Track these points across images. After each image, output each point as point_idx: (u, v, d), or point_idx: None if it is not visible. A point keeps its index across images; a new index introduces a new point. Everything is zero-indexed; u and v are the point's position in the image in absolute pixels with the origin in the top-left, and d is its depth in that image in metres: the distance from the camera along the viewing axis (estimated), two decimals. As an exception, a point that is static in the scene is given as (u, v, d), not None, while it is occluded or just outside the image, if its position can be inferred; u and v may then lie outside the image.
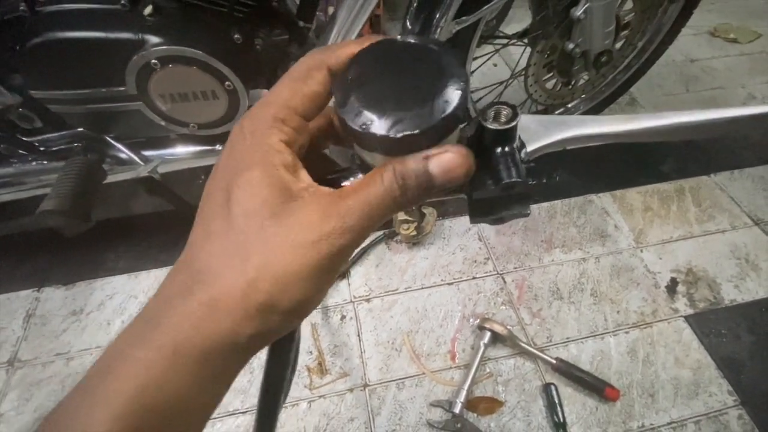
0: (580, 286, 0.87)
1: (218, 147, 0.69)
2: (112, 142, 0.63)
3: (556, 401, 0.71)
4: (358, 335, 0.80)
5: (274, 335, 0.18)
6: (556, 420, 0.70)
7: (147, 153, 0.67)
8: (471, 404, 0.72)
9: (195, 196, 1.02)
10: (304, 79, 0.19)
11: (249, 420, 0.71)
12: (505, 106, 0.19)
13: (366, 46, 0.19)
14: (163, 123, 0.61)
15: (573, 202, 1.01)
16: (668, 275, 0.88)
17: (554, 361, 0.74)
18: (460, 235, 0.96)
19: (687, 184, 1.05)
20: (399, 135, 0.16)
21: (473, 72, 0.83)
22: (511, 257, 0.91)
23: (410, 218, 0.89)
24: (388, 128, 0.16)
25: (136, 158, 0.65)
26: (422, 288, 0.87)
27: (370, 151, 0.18)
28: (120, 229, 0.97)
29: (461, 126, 0.18)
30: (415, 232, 0.89)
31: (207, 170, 1.07)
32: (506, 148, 0.19)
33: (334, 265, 0.17)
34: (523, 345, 0.77)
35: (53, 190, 0.54)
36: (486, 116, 0.19)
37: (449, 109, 0.16)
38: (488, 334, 0.78)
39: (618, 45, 0.86)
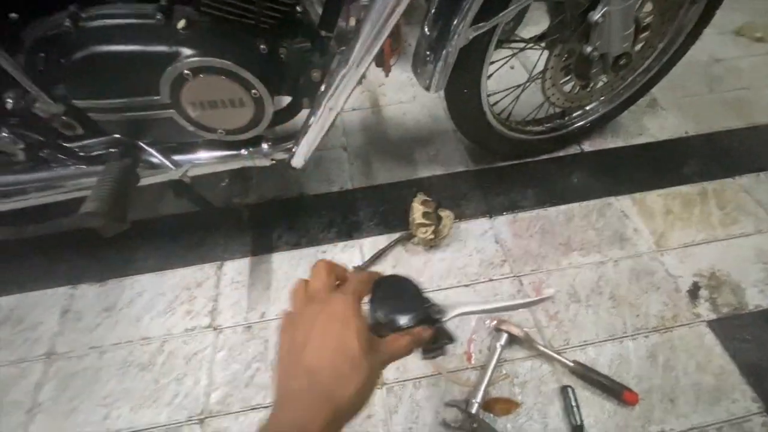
0: (598, 290, 0.86)
1: (243, 152, 0.73)
2: (146, 147, 0.67)
3: (574, 404, 0.71)
4: (376, 335, 0.82)
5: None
6: (574, 422, 0.70)
7: (177, 157, 0.71)
8: (487, 405, 0.73)
9: (218, 198, 1.07)
10: (360, 291, 0.39)
11: (270, 415, 0.74)
12: (440, 307, 0.41)
13: (382, 276, 0.41)
14: (192, 129, 0.65)
15: (591, 205, 1.01)
16: (690, 279, 0.87)
17: (571, 364, 0.74)
18: (477, 238, 0.96)
19: (710, 186, 1.03)
20: (404, 325, 0.38)
21: (490, 76, 0.84)
22: (528, 260, 0.92)
23: (428, 222, 0.90)
24: (398, 321, 0.38)
25: (167, 162, 0.69)
26: (439, 289, 0.88)
27: (390, 330, 0.38)
28: (148, 230, 1.02)
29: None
30: (432, 236, 0.90)
31: (231, 174, 1.11)
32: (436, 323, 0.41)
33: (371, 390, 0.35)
34: (539, 347, 0.77)
35: (93, 192, 0.58)
36: (436, 314, 0.41)
37: (424, 315, 0.39)
38: (505, 336, 0.78)
39: (637, 47, 0.86)
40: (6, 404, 0.77)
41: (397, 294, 0.39)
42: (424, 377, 0.77)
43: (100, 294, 0.91)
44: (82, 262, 0.96)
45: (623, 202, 1.01)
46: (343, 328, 0.34)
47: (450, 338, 0.42)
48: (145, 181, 0.70)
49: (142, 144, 0.67)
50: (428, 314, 0.39)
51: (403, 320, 0.37)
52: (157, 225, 1.03)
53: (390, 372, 0.77)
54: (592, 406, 0.72)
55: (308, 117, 0.67)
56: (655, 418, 0.71)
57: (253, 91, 0.61)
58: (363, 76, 0.62)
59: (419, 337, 0.38)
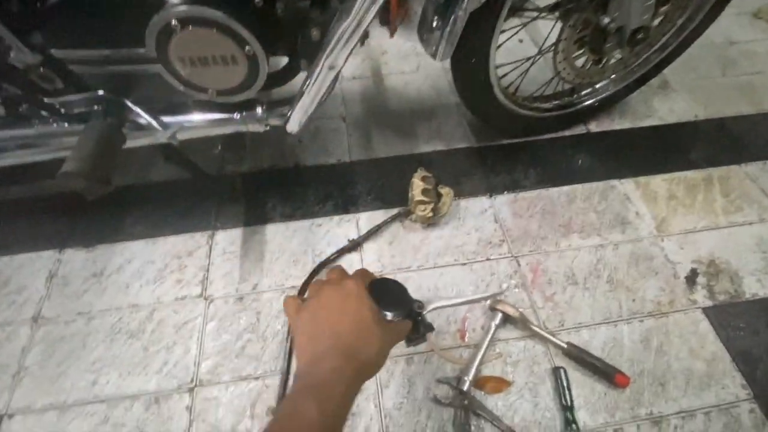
0: (596, 273, 0.85)
1: (236, 116, 0.69)
2: (132, 106, 0.63)
3: (565, 384, 0.71)
4: (370, 310, 0.81)
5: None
6: (564, 402, 0.70)
7: (166, 119, 0.67)
8: (479, 383, 0.73)
9: (211, 165, 1.03)
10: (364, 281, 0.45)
11: (261, 385, 0.73)
12: (420, 303, 0.49)
13: (375, 279, 0.47)
14: (182, 88, 0.61)
15: (594, 187, 0.98)
16: (689, 266, 0.86)
17: (565, 345, 0.74)
18: (476, 216, 0.94)
19: (716, 173, 1.01)
20: (392, 318, 0.44)
21: (500, 46, 0.80)
22: (527, 240, 0.90)
23: (427, 199, 0.87)
24: (387, 316, 0.44)
25: (154, 123, 0.65)
26: (435, 267, 0.87)
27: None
28: (138, 196, 0.98)
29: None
30: (431, 214, 0.88)
31: (224, 140, 1.07)
32: (419, 317, 0.49)
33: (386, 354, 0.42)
34: (534, 328, 0.76)
35: (74, 152, 0.55)
36: (417, 308, 0.48)
37: (408, 310, 0.47)
38: (499, 316, 0.77)
39: (656, 22, 0.81)
40: (-9, 367, 0.76)
41: (387, 293, 0.45)
42: (416, 354, 0.76)
43: (87, 259, 0.89)
44: (68, 227, 0.93)
45: (627, 186, 0.99)
46: (358, 302, 0.41)
47: (430, 328, 0.51)
48: (131, 143, 0.66)
49: (128, 102, 0.63)
50: (412, 309, 0.48)
51: (390, 315, 0.44)
52: (147, 191, 0.99)
53: (382, 347, 0.77)
54: (583, 387, 0.73)
55: (306, 79, 0.63)
56: (644, 401, 0.71)
57: (247, 47, 0.56)
58: (366, 35, 0.57)
59: (404, 327, 0.47)
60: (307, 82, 0.62)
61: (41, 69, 0.58)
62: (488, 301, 0.81)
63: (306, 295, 0.45)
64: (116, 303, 0.83)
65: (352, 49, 0.59)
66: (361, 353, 0.38)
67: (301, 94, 0.64)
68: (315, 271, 0.84)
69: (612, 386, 0.72)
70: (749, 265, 0.86)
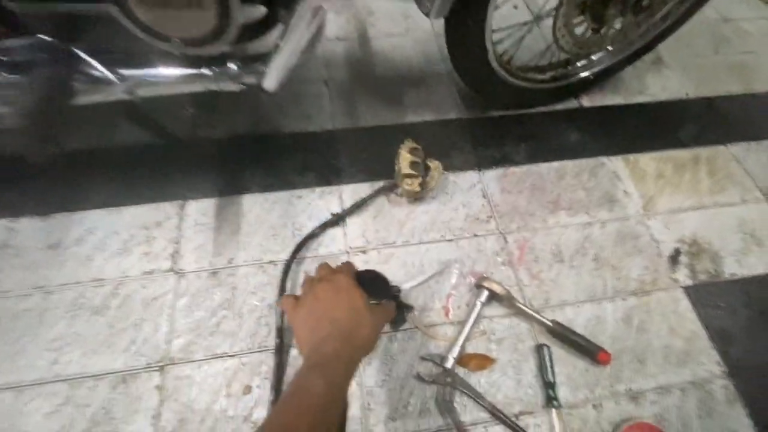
0: (582, 251, 0.84)
1: (206, 71, 0.61)
2: (82, 54, 0.55)
3: (548, 362, 0.71)
4: (352, 286, 0.78)
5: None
6: (546, 379, 0.70)
7: (124, 71, 0.58)
8: (463, 360, 0.72)
9: (181, 129, 0.94)
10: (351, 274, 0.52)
11: (237, 363, 0.70)
12: (397, 287, 0.71)
13: (361, 270, 0.55)
14: (141, 35, 0.53)
15: (584, 164, 0.96)
16: (672, 245, 0.86)
17: (550, 323, 0.73)
18: (464, 191, 0.91)
19: (704, 152, 1.00)
20: (376, 302, 0.51)
21: (497, 7, 0.74)
22: (515, 216, 0.88)
23: (415, 172, 0.83)
24: (379, 301, 0.52)
25: (110, 76, 0.56)
26: (420, 243, 0.84)
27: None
28: (100, 160, 0.90)
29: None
30: (419, 188, 0.83)
31: (194, 99, 0.98)
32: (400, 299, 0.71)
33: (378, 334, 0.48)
34: (519, 306, 0.75)
35: (12, 106, 0.47)
36: (395, 292, 0.68)
37: (389, 295, 0.61)
38: (485, 293, 0.76)
39: (661, -11, 0.77)
40: (-64, 344, 0.69)
41: (370, 282, 0.52)
42: (399, 331, 0.74)
43: (42, 229, 0.81)
44: (21, 193, 0.85)
45: (616, 163, 0.97)
46: (349, 293, 0.47)
47: (409, 307, 0.67)
48: (83, 99, 0.58)
49: (77, 50, 0.55)
50: (391, 293, 0.60)
51: (377, 301, 0.51)
52: (109, 155, 0.91)
53: (365, 325, 0.74)
54: (566, 364, 0.73)
55: (285, 28, 0.56)
56: (623, 377, 0.72)
57: (217, -11, 0.49)
58: None
59: (391, 308, 0.55)
60: (287, 32, 0.55)
61: (-31, 6, 0.49)
62: (474, 279, 0.79)
63: (301, 292, 0.50)
64: (77, 277, 0.77)
65: None
66: (356, 336, 0.44)
67: (279, 45, 0.57)
68: (299, 247, 0.80)
69: (594, 363, 0.72)
70: (730, 245, 0.87)
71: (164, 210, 0.84)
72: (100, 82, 0.57)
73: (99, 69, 0.56)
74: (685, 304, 0.80)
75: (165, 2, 0.48)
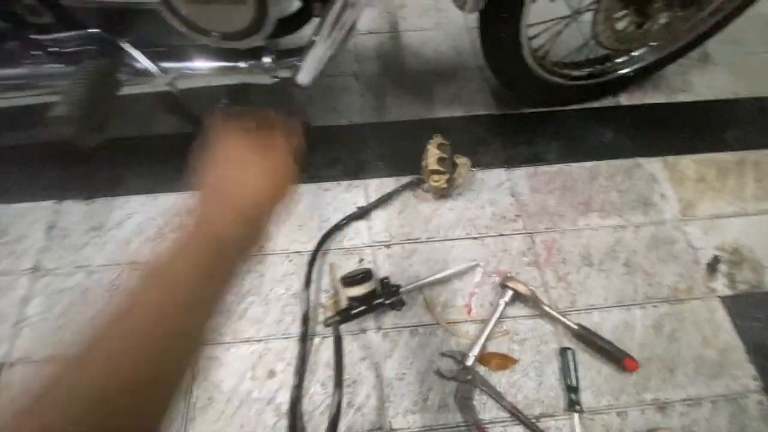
0: (613, 254, 0.82)
1: (242, 64, 0.63)
2: (128, 48, 0.57)
3: (572, 365, 0.70)
4: (376, 280, 0.79)
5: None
6: (569, 383, 0.69)
7: (164, 64, 0.61)
8: (484, 359, 0.72)
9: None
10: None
11: (263, 348, 0.72)
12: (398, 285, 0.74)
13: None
14: (183, 29, 0.55)
15: (619, 165, 0.93)
16: (711, 252, 0.82)
17: (575, 327, 0.72)
18: (492, 189, 0.90)
19: (751, 156, 0.95)
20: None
21: (535, 0, 0.72)
22: (543, 217, 0.86)
23: (442, 169, 0.83)
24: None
25: (153, 68, 0.59)
26: (445, 240, 0.84)
27: None
28: (140, 149, 0.94)
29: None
30: (445, 185, 0.83)
31: (228, 91, 1.01)
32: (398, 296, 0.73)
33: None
34: (544, 307, 0.74)
35: (63, 96, 0.50)
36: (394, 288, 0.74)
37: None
38: (509, 293, 0.75)
39: (712, -19, 0.72)
40: (-8, 315, 0.75)
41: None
42: (421, 325, 0.75)
43: (86, 212, 0.86)
44: (67, 177, 0.90)
45: (654, 165, 0.93)
46: (277, 169, 0.40)
47: (402, 303, 0.72)
48: (127, 90, 0.61)
49: (123, 43, 0.57)
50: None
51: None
52: (149, 144, 0.95)
53: (387, 317, 0.75)
54: (590, 369, 0.71)
55: (319, 24, 0.57)
56: (651, 386, 0.70)
57: (256, -16, 0.50)
58: None
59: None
60: (322, 27, 0.56)
61: (28, 1, 0.52)
62: (498, 278, 0.78)
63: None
64: (116, 258, 0.81)
65: None
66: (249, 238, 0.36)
67: (314, 40, 0.58)
68: (324, 239, 0.81)
69: (619, 370, 0.71)
70: (775, 255, 0.82)
71: (198, 198, 0.87)
72: (143, 74, 0.60)
73: (143, 61, 0.58)
74: (721, 314, 0.76)
75: (206, -2, 0.50)
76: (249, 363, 0.71)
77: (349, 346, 0.72)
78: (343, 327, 0.72)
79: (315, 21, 0.62)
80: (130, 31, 0.58)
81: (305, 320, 0.73)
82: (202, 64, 0.62)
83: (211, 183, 0.36)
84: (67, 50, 0.58)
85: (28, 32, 0.57)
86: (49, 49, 0.59)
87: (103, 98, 0.53)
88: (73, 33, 0.58)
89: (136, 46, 0.58)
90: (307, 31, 0.66)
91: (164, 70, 0.60)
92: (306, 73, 0.62)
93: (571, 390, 0.68)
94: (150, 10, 0.53)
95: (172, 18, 0.53)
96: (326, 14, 0.55)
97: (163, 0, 0.51)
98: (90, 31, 0.58)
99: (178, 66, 0.61)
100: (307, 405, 0.68)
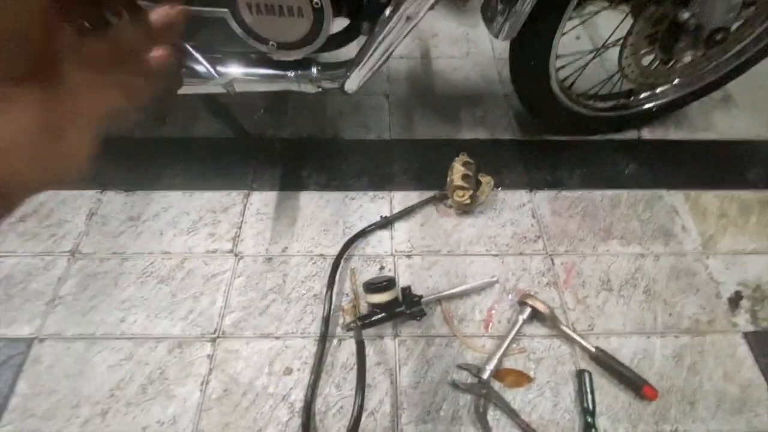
0: (633, 281, 0.82)
1: (290, 74, 0.68)
2: (192, 50, 0.63)
3: (589, 388, 0.69)
4: (396, 287, 0.80)
5: None
6: (586, 406, 0.68)
7: (221, 69, 0.67)
8: (499, 374, 0.72)
9: (252, 128, 1.03)
10: None
11: (281, 345, 0.74)
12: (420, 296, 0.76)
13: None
14: (243, 36, 0.60)
15: (641, 195, 0.94)
16: (733, 287, 0.82)
17: (593, 350, 0.72)
18: (513, 209, 0.92)
19: (774, 196, 0.95)
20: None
21: (565, 33, 0.76)
22: (563, 240, 0.87)
23: (466, 185, 0.86)
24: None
25: (212, 71, 0.65)
26: (465, 254, 0.85)
27: None
28: (180, 149, 1.00)
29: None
30: (468, 201, 0.86)
31: (267, 106, 1.07)
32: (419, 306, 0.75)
33: None
34: (563, 328, 0.74)
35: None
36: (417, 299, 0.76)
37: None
38: (528, 311, 0.75)
39: (736, 24, 0.76)
40: (29, 292, 0.79)
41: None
42: (438, 336, 0.76)
43: (126, 203, 0.91)
44: (111, 169, 0.95)
45: (675, 197, 0.94)
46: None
47: (422, 312, 0.74)
48: (187, 89, 0.67)
49: (188, 46, 0.63)
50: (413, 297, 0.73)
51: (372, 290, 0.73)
52: (189, 144, 1.01)
53: (404, 325, 0.76)
54: (607, 394, 0.70)
55: (372, 36, 0.62)
56: (670, 417, 0.68)
57: (315, 0, 0.55)
58: None
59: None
60: (377, 38, 0.61)
61: None
62: (517, 296, 0.79)
63: None
64: (149, 248, 0.85)
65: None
66: None
67: (366, 51, 0.63)
68: (348, 244, 0.84)
69: (638, 398, 0.70)
70: (799, 295, 0.81)
71: (231, 197, 0.92)
72: (202, 75, 0.65)
73: (204, 63, 0.64)
74: (743, 350, 0.75)
75: (270, 8, 0.56)
76: (267, 358, 0.73)
77: (366, 350, 0.73)
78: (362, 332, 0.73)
79: (360, 38, 0.67)
80: (195, 35, 0.64)
81: (326, 321, 0.74)
82: (254, 71, 0.68)
83: None
84: (137, 50, 0.64)
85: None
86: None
87: (167, 92, 0.58)
88: (143, 36, 0.64)
89: (198, 50, 0.64)
90: (352, 46, 0.71)
91: (220, 74, 0.66)
92: (354, 80, 0.67)
93: (588, 413, 0.67)
94: (216, 18, 0.59)
95: (237, 26, 0.59)
96: (379, 28, 0.60)
97: (231, 10, 0.57)
98: (159, 34, 0.64)
99: (233, 71, 0.67)
100: (320, 405, 0.69)
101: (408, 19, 0.57)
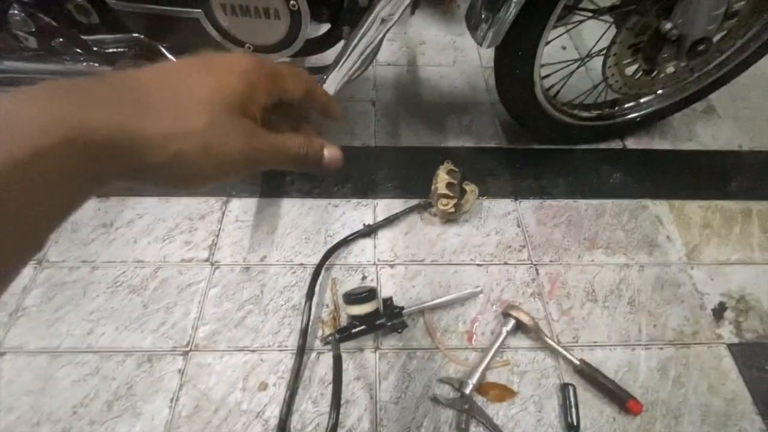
0: (617, 292, 0.81)
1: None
2: (166, 53, 0.61)
3: (573, 402, 0.68)
4: (377, 298, 0.78)
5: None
6: (569, 421, 0.66)
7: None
8: (482, 388, 0.70)
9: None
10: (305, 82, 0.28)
11: (256, 358, 0.71)
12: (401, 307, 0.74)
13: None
14: (218, 38, 0.58)
15: (625, 205, 0.94)
16: (717, 298, 0.81)
17: (578, 362, 0.70)
18: (498, 218, 0.91)
19: (756, 206, 0.96)
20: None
21: (549, 42, 0.76)
22: (548, 249, 0.86)
23: (451, 193, 0.84)
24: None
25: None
26: (449, 264, 0.84)
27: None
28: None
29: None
30: (453, 209, 0.84)
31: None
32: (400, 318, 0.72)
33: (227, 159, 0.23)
34: (547, 340, 0.73)
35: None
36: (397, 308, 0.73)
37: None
38: (512, 322, 0.74)
39: (718, 36, 0.77)
40: (-10, 302, 0.75)
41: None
42: (420, 349, 0.73)
43: (99, 209, 0.87)
44: (84, 174, 0.92)
45: (660, 208, 0.94)
46: (227, 69, 0.23)
47: (403, 324, 0.72)
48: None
49: (162, 48, 0.61)
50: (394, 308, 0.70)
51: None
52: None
53: (386, 338, 0.74)
54: (591, 408, 0.69)
55: (349, 40, 0.60)
56: (655, 431, 0.67)
57: (292, 2, 0.54)
58: None
59: (333, 157, 0.29)
60: (353, 41, 0.59)
61: (78, 0, 0.56)
62: (501, 307, 0.77)
63: None
64: (122, 256, 0.81)
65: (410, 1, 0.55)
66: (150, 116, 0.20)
67: (342, 54, 0.61)
68: (329, 253, 0.81)
69: (622, 412, 0.68)
70: (782, 306, 0.81)
71: (209, 204, 0.89)
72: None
73: (176, 66, 0.62)
74: (728, 362, 0.74)
75: (245, 10, 0.54)
76: (241, 373, 0.70)
77: (345, 364, 0.71)
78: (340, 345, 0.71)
79: (341, 44, 0.65)
80: (169, 36, 0.61)
81: (304, 334, 0.72)
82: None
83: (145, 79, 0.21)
84: (108, 51, 0.62)
85: (74, 30, 0.61)
86: (92, 48, 0.63)
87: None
88: (116, 35, 0.62)
89: (173, 52, 0.62)
90: (332, 51, 0.70)
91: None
92: (332, 82, 0.65)
93: (572, 429, 0.66)
94: (191, 19, 0.56)
95: (212, 28, 0.57)
96: (362, 21, 0.58)
97: (205, 11, 0.55)
98: (133, 35, 0.62)
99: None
100: (296, 422, 0.66)
101: (383, 21, 0.56)
